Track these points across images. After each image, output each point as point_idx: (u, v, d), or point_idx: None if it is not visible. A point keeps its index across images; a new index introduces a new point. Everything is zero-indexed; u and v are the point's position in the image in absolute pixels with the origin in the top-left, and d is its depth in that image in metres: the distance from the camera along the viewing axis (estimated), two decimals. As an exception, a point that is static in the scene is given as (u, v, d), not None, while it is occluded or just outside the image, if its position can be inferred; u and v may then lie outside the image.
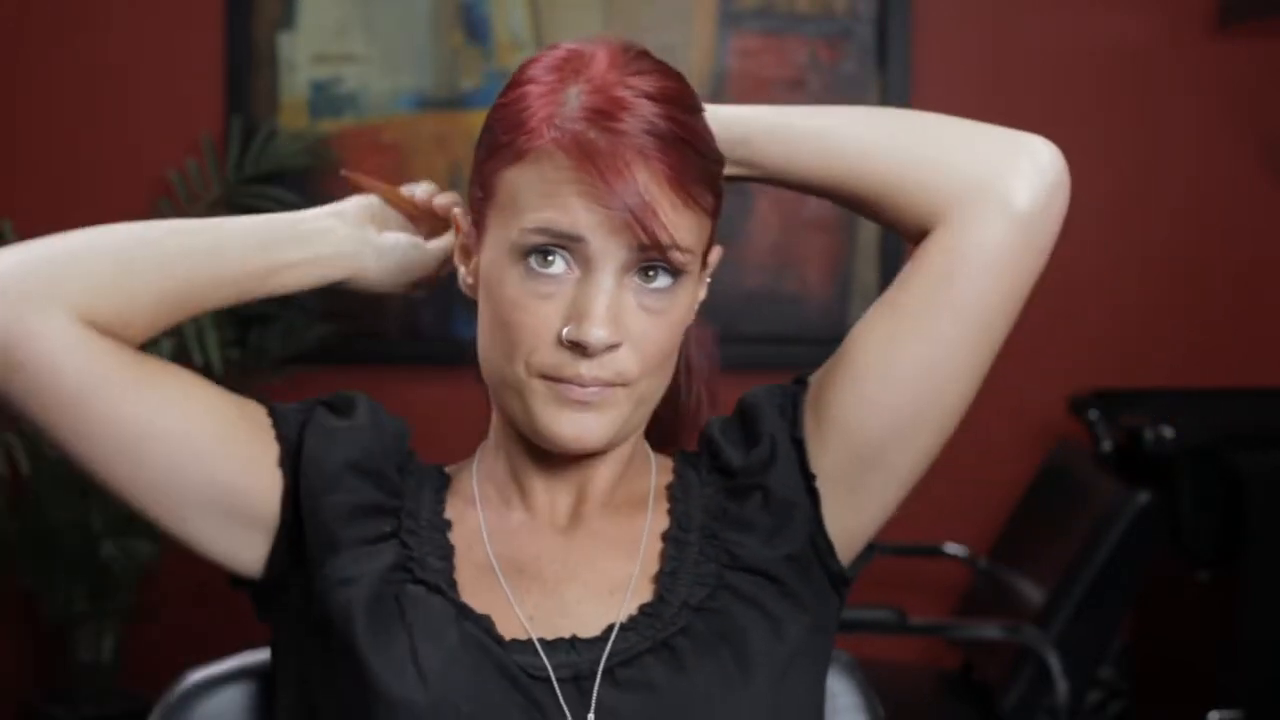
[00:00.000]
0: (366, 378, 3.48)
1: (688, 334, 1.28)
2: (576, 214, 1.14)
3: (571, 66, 1.18)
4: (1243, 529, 2.91)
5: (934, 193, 1.20)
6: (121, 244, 1.20)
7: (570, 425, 1.17)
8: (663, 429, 1.33)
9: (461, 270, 1.26)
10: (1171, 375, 3.36)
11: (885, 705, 1.42)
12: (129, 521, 3.14)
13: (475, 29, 3.41)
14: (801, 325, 3.42)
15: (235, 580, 1.25)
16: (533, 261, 1.16)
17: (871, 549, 1.28)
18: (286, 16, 3.43)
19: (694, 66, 3.39)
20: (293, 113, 3.43)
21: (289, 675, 1.23)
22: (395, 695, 1.13)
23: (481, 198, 1.21)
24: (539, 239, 1.15)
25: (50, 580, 3.18)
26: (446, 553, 1.22)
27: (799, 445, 1.24)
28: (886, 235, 3.37)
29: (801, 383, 1.27)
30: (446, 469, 1.31)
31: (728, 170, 1.26)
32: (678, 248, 1.15)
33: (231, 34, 3.42)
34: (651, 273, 1.17)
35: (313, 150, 3.38)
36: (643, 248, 1.14)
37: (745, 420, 1.27)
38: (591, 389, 1.16)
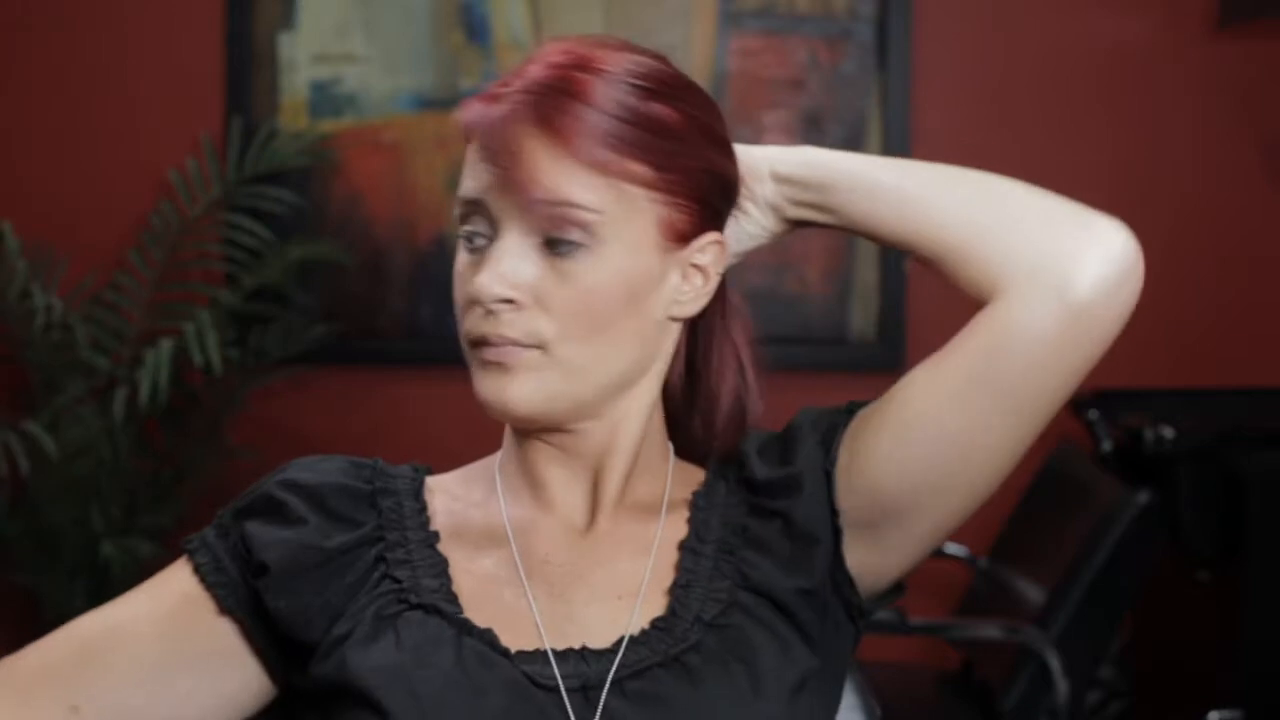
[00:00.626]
0: (366, 378, 3.48)
1: (695, 328, 1.27)
2: (481, 179, 1.17)
3: (531, 56, 1.21)
4: (1243, 529, 2.91)
5: (995, 265, 1.17)
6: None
7: (491, 389, 1.18)
8: (689, 434, 1.30)
9: None
10: (1171, 375, 3.36)
11: (885, 705, 1.42)
12: (129, 521, 3.15)
13: (475, 29, 3.41)
14: (801, 325, 3.42)
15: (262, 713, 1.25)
16: (464, 231, 1.19)
17: (899, 588, 1.26)
18: (286, 16, 3.43)
19: (694, 66, 3.39)
20: (293, 113, 3.43)
21: None
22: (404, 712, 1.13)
23: None
24: (458, 210, 1.19)
25: (50, 580, 3.18)
26: (440, 568, 1.20)
27: (829, 478, 1.22)
28: (886, 235, 3.37)
29: (851, 412, 1.24)
30: (428, 477, 1.28)
31: (802, 214, 1.25)
32: (570, 203, 1.15)
33: (231, 34, 3.42)
34: (556, 234, 1.16)
35: (313, 150, 3.38)
36: (531, 206, 1.15)
37: (786, 442, 1.25)
38: (504, 349, 1.16)
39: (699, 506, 1.24)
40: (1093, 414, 3.13)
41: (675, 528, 1.23)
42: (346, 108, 3.43)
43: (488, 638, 1.16)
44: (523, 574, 1.20)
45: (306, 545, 1.19)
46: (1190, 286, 3.40)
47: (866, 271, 3.40)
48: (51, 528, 3.14)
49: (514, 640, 1.17)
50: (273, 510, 1.21)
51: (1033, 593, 2.86)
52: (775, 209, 1.26)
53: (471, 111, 1.18)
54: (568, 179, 1.15)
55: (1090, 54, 3.41)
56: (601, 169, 1.15)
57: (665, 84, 1.19)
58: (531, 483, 1.24)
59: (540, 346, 1.17)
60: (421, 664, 1.14)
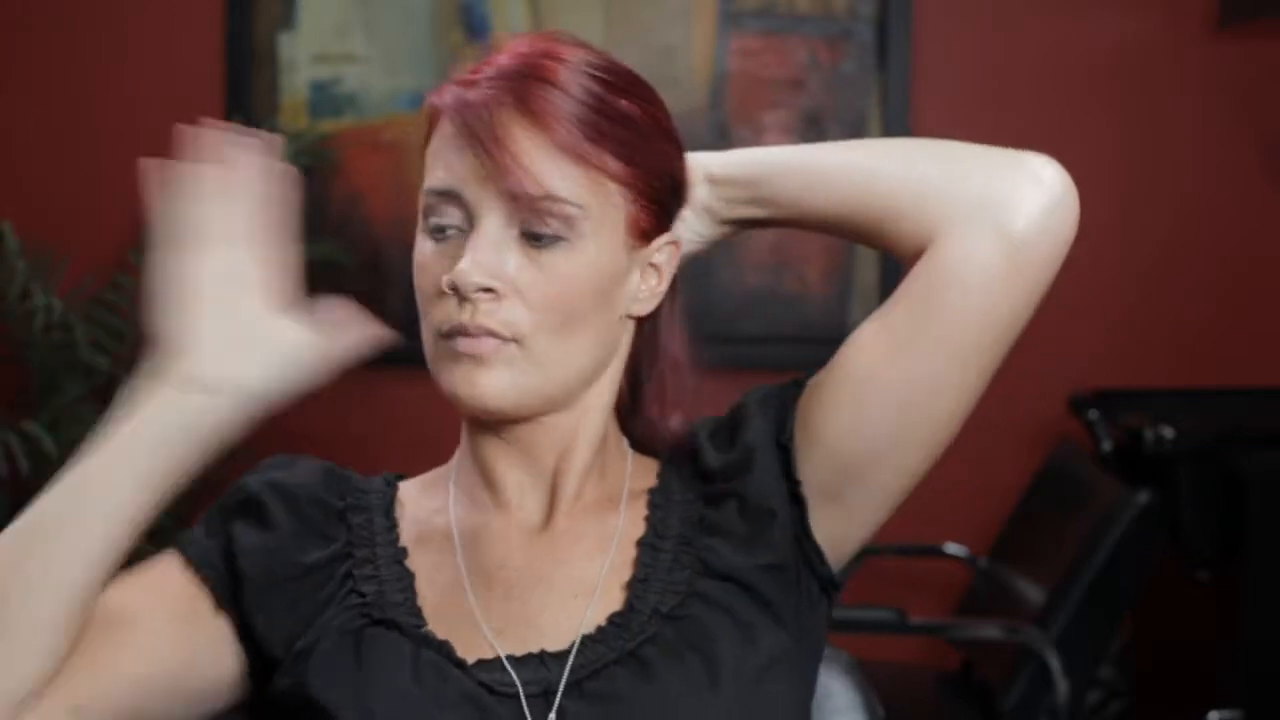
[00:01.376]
0: (366, 378, 3.48)
1: (644, 327, 1.27)
2: (455, 169, 1.17)
3: (492, 49, 1.22)
4: (1243, 529, 2.91)
5: (929, 210, 1.18)
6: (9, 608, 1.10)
7: (465, 381, 1.17)
8: (631, 432, 1.30)
9: None
10: (1171, 375, 3.36)
11: (885, 705, 1.42)
12: (129, 521, 3.14)
13: (475, 28, 3.41)
14: (801, 325, 3.41)
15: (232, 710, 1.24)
16: (431, 224, 1.19)
17: (859, 556, 1.25)
18: (286, 16, 3.43)
19: (694, 66, 3.39)
20: (293, 113, 3.43)
21: None
22: None
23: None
24: (427, 200, 1.19)
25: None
26: (407, 583, 1.20)
27: (785, 451, 1.22)
28: (886, 235, 3.37)
29: (799, 384, 1.25)
30: (400, 483, 1.28)
31: (737, 212, 1.26)
32: (552, 197, 1.15)
33: (231, 34, 3.42)
34: (544, 228, 1.16)
35: (313, 150, 3.38)
36: (515, 197, 1.15)
37: (734, 423, 1.25)
38: (482, 340, 1.16)
39: (656, 504, 1.24)
40: (1093, 414, 3.13)
41: (634, 524, 1.23)
42: (346, 108, 3.43)
43: (445, 650, 1.16)
44: (468, 584, 1.20)
45: (283, 559, 1.19)
46: (1190, 286, 3.40)
47: (866, 271, 3.40)
48: (51, 528, 3.13)
49: (474, 650, 1.16)
50: (254, 511, 1.21)
51: (1033, 593, 2.86)
52: (710, 212, 1.27)
53: (447, 96, 1.18)
54: (552, 170, 1.15)
55: (1090, 54, 3.41)
56: (583, 160, 1.16)
57: (625, 78, 1.21)
58: (488, 484, 1.24)
59: (516, 339, 1.16)
60: (378, 682, 1.14)
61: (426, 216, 1.19)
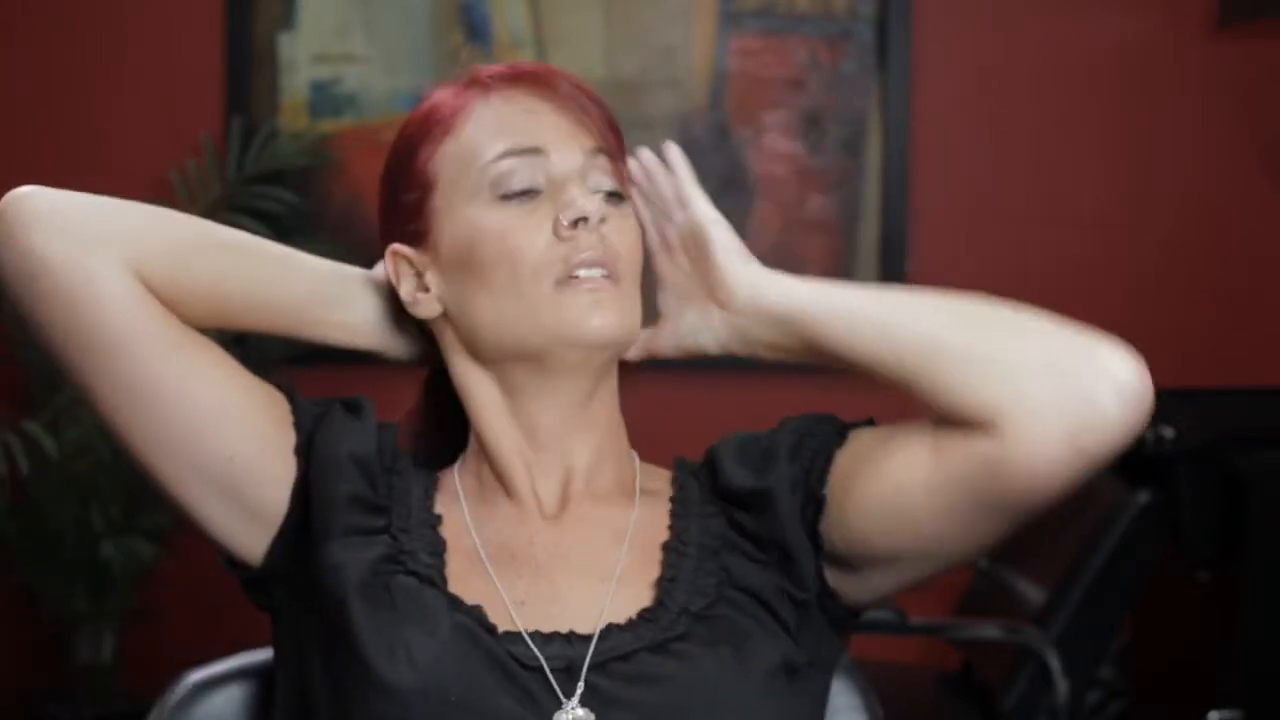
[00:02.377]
0: (366, 378, 3.47)
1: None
2: (529, 130, 1.22)
3: (470, 75, 1.27)
4: (1243, 529, 2.91)
5: (994, 403, 1.13)
6: (196, 230, 1.24)
7: (593, 315, 1.20)
8: None
9: (419, 299, 1.27)
10: (1171, 375, 3.34)
11: (885, 705, 1.42)
12: (129, 521, 3.15)
13: (475, 29, 3.41)
14: (801, 325, 3.41)
15: (230, 562, 1.25)
16: (505, 189, 1.21)
17: (888, 601, 1.28)
18: (286, 16, 3.43)
19: (694, 66, 3.39)
20: (293, 113, 3.43)
21: (287, 661, 1.24)
22: (387, 680, 1.14)
23: (419, 196, 1.24)
24: (504, 164, 1.21)
25: (50, 580, 3.18)
26: (438, 548, 1.22)
27: (816, 506, 1.21)
28: (887, 236, 3.37)
29: (843, 434, 1.24)
30: (435, 471, 1.31)
31: (770, 352, 1.25)
32: (624, 158, 1.26)
33: (231, 34, 3.42)
34: (609, 185, 1.24)
35: (313, 150, 3.38)
36: (595, 151, 1.23)
37: (766, 452, 1.25)
38: (598, 272, 1.20)
39: (679, 513, 1.25)
40: (1093, 414, 3.13)
41: (653, 521, 1.25)
42: (346, 108, 3.43)
43: (476, 614, 1.18)
44: (486, 559, 1.22)
45: (356, 442, 1.24)
46: (1190, 286, 3.40)
47: (866, 272, 3.40)
48: (51, 528, 3.13)
49: (499, 622, 1.18)
50: (354, 408, 1.28)
51: (1033, 593, 2.86)
52: (741, 335, 1.26)
53: (494, 73, 1.24)
54: (608, 132, 1.26)
55: (1090, 54, 3.41)
56: (619, 144, 1.26)
57: None
58: (499, 475, 1.26)
59: (616, 278, 1.21)
60: (420, 629, 1.16)
61: (497, 184, 1.22)
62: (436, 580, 1.20)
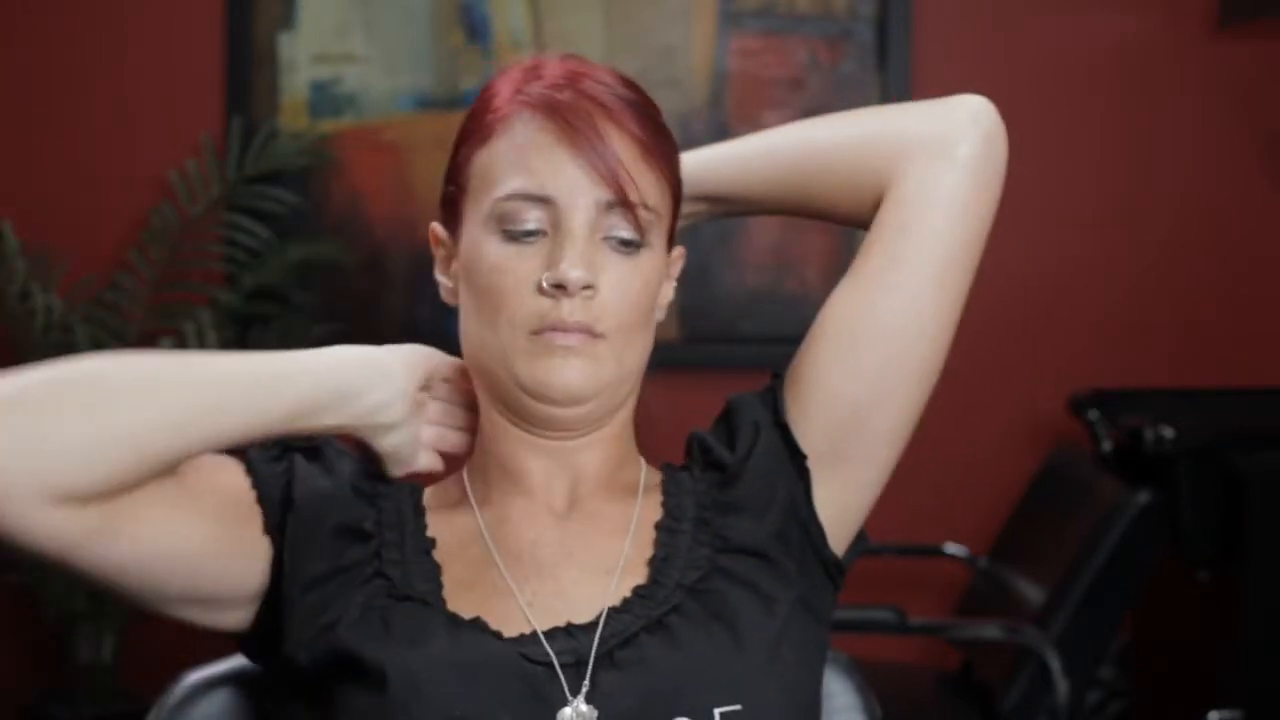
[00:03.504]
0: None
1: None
2: (543, 176, 1.20)
3: (528, 68, 1.25)
4: (1243, 529, 2.91)
5: (878, 158, 1.29)
6: (115, 411, 1.12)
7: (557, 374, 1.21)
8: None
9: (442, 280, 1.29)
10: (1171, 375, 3.36)
11: (885, 705, 1.42)
12: (129, 521, 3.14)
13: (475, 29, 3.41)
14: (801, 325, 3.36)
15: (228, 636, 1.26)
16: (509, 227, 1.21)
17: (863, 538, 1.31)
18: (286, 16, 3.43)
19: (694, 66, 3.39)
20: (293, 113, 3.43)
21: (284, 696, 1.24)
22: (391, 702, 1.14)
23: (455, 191, 1.26)
24: (512, 205, 1.21)
25: (50, 580, 3.18)
26: (433, 573, 1.23)
27: (784, 430, 1.27)
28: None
29: (777, 376, 1.31)
30: (426, 489, 1.31)
31: (691, 218, 1.34)
32: (644, 205, 1.22)
33: (231, 34, 3.42)
34: (624, 234, 1.22)
35: (313, 150, 3.38)
36: (609, 205, 1.21)
37: (728, 419, 1.32)
38: (574, 335, 1.20)
39: (670, 492, 1.29)
40: (1093, 414, 3.13)
41: (651, 510, 1.28)
42: (346, 108, 3.43)
43: (477, 624, 1.19)
44: (499, 561, 1.23)
45: (330, 505, 1.23)
46: (1190, 286, 3.40)
47: (866, 271, 3.40)
48: (51, 528, 3.13)
49: (508, 623, 1.19)
50: (317, 456, 1.26)
51: (1033, 593, 2.86)
52: None
53: (531, 98, 1.22)
54: (643, 176, 1.22)
55: (1090, 54, 3.41)
56: (658, 167, 1.24)
57: (642, 90, 1.28)
58: (511, 473, 1.27)
59: (603, 335, 1.21)
60: (414, 647, 1.16)
61: (504, 220, 1.22)
62: (433, 601, 1.21)
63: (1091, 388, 3.23)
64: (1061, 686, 2.65)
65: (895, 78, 3.38)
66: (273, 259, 3.27)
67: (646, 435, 1.34)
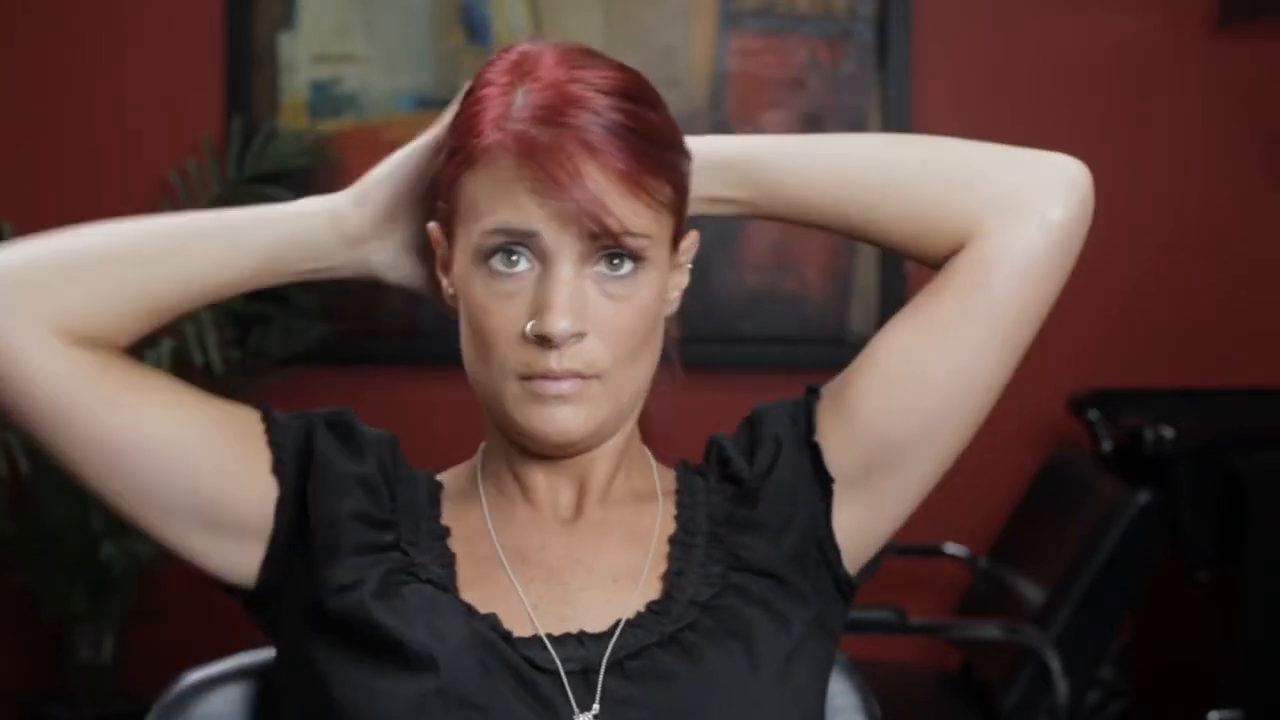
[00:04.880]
0: (366, 378, 3.48)
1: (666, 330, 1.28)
2: (528, 210, 1.15)
3: (522, 68, 1.19)
4: (1243, 529, 2.91)
5: (967, 208, 1.23)
6: (114, 252, 1.22)
7: (550, 422, 1.18)
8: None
9: (444, 283, 1.26)
10: (1171, 375, 3.36)
11: (885, 705, 1.42)
12: (129, 521, 3.15)
13: (475, 29, 3.41)
14: (801, 325, 3.41)
15: (227, 588, 1.25)
16: (494, 263, 1.17)
17: (877, 560, 1.30)
18: (286, 16, 3.43)
19: (694, 66, 3.39)
20: (293, 113, 3.43)
21: (293, 673, 1.23)
22: (410, 680, 1.14)
23: (447, 209, 1.22)
24: (496, 240, 1.17)
25: (50, 580, 3.18)
26: (448, 560, 1.23)
27: (814, 449, 1.25)
28: (886, 235, 3.37)
29: (813, 392, 1.28)
30: (438, 475, 1.31)
31: (728, 207, 1.28)
32: (630, 233, 1.16)
33: (231, 34, 3.42)
34: (616, 260, 1.18)
35: (313, 150, 3.38)
36: (595, 236, 1.16)
37: (752, 429, 1.29)
38: (565, 382, 1.17)
39: (684, 504, 1.27)
40: (1093, 414, 3.13)
41: (664, 520, 1.26)
42: (346, 108, 3.43)
43: (490, 621, 1.18)
44: (506, 563, 1.23)
45: (350, 474, 1.23)
46: (1190, 286, 3.40)
47: (866, 271, 3.40)
48: (51, 528, 3.14)
49: (513, 625, 1.19)
50: (340, 428, 1.25)
51: (1033, 593, 2.86)
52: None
53: (508, 135, 1.16)
54: (626, 206, 1.16)
55: (1090, 54, 3.41)
56: (647, 192, 1.17)
57: (643, 89, 1.21)
58: (517, 481, 1.26)
59: (598, 376, 1.18)
60: (436, 634, 1.16)
61: (488, 256, 1.18)
62: (449, 588, 1.20)
63: (1091, 388, 3.23)
64: (1061, 686, 2.65)
65: (895, 78, 3.38)
66: (273, 259, 3.26)
67: (646, 435, 1.33)
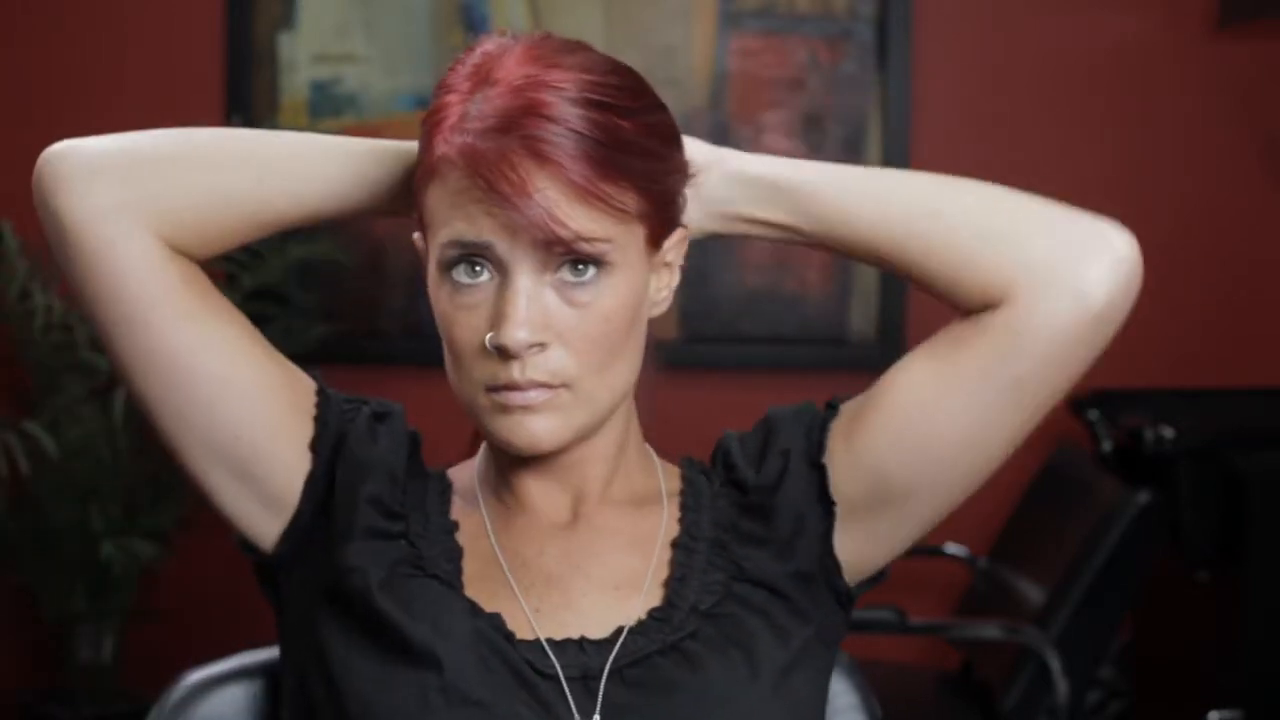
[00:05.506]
0: (366, 378, 3.47)
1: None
2: (479, 222, 1.13)
3: (482, 71, 1.16)
4: (1243, 529, 2.91)
5: (1006, 270, 1.18)
6: (223, 159, 1.22)
7: (519, 433, 1.16)
8: None
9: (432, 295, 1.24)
10: (1171, 375, 3.36)
11: (885, 705, 1.42)
12: (129, 522, 3.15)
13: (475, 28, 3.41)
14: (801, 325, 3.41)
15: (243, 544, 1.25)
16: (457, 274, 1.16)
17: (882, 574, 1.28)
18: (286, 16, 3.43)
19: (694, 66, 3.39)
20: (293, 113, 3.43)
21: (296, 657, 1.23)
22: (414, 674, 1.15)
23: (420, 219, 1.20)
24: (454, 252, 1.15)
25: (50, 580, 3.18)
26: (455, 554, 1.23)
27: (821, 470, 1.23)
28: (886, 235, 3.37)
29: (833, 407, 1.26)
30: (448, 473, 1.31)
31: (754, 219, 1.24)
32: (585, 239, 1.13)
33: (231, 34, 3.42)
34: (580, 266, 1.15)
35: (313, 150, 3.38)
36: (549, 245, 1.13)
37: (764, 438, 1.27)
38: (530, 392, 1.15)
39: (688, 505, 1.26)
40: (1093, 414, 3.13)
41: (667, 523, 1.25)
42: (346, 108, 3.43)
43: (495, 621, 1.18)
44: (505, 565, 1.22)
45: (373, 472, 1.23)
46: (1190, 286, 3.40)
47: (866, 272, 3.40)
48: (51, 528, 3.14)
49: (514, 627, 1.19)
50: (382, 417, 1.26)
51: (1033, 593, 2.86)
52: (723, 206, 1.24)
53: (451, 147, 1.14)
54: (578, 212, 1.13)
55: (1090, 54, 3.41)
56: (601, 200, 1.13)
57: (622, 93, 1.17)
58: (511, 489, 1.26)
59: (565, 385, 1.16)
60: (441, 630, 1.16)
61: (448, 268, 1.16)
62: (455, 584, 1.20)
63: (1091, 388, 3.23)
64: (1061, 686, 2.65)
65: (895, 78, 3.38)
66: (273, 259, 3.26)
67: (647, 435, 1.33)
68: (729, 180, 1.23)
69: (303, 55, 3.43)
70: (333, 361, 3.49)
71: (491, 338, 1.14)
